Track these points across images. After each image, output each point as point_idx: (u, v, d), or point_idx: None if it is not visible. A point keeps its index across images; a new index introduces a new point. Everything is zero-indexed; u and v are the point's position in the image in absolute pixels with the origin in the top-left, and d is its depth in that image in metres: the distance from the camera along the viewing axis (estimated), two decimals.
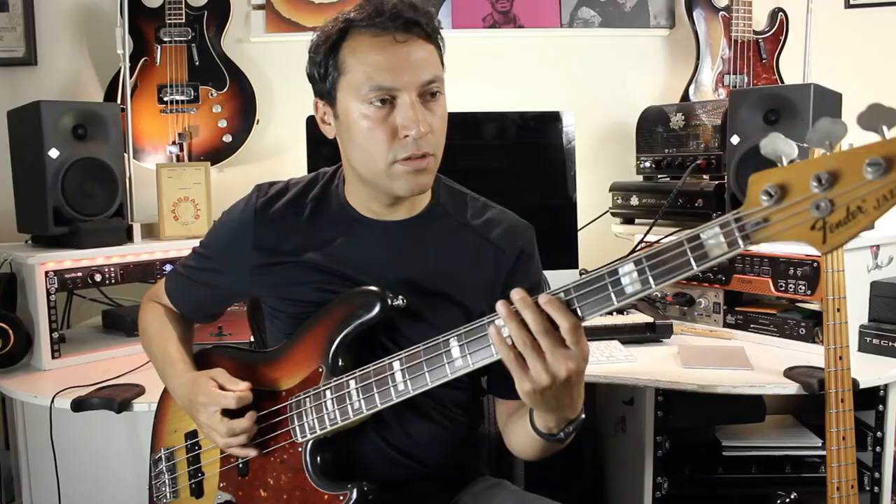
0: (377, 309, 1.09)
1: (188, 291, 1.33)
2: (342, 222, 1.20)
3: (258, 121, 2.42)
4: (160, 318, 1.34)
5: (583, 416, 1.02)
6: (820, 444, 1.80)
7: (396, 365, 1.04)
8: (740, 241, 0.80)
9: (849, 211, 0.72)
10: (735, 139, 1.87)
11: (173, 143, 2.35)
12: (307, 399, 1.12)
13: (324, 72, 1.12)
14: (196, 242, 1.34)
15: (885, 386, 1.65)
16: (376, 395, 1.05)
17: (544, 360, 0.89)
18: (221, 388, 1.15)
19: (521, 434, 1.10)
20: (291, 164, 2.45)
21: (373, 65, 1.06)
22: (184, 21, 2.36)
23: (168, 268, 2.01)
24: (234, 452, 1.16)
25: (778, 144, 0.78)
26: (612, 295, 0.88)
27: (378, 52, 1.06)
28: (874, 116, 0.71)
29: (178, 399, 1.24)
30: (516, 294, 0.91)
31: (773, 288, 1.80)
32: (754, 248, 1.81)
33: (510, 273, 1.20)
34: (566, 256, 2.15)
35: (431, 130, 1.09)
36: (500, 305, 0.92)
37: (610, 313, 1.88)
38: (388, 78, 1.06)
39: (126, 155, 2.15)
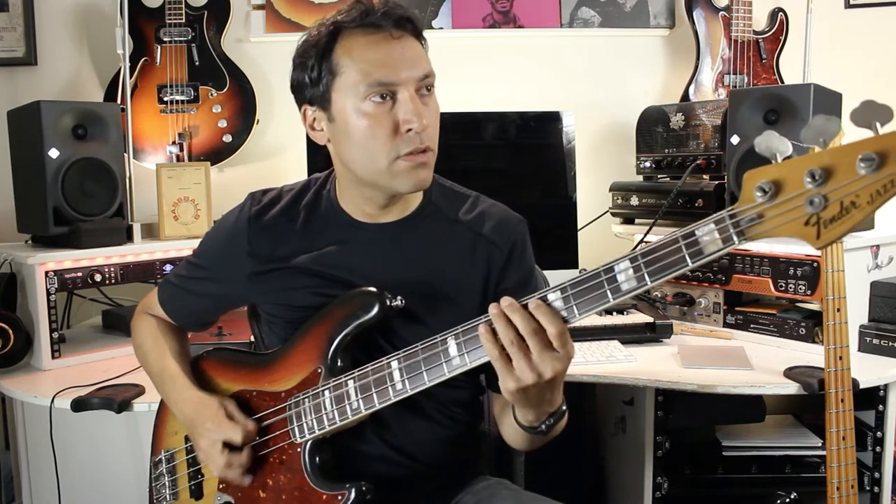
0: (376, 309, 1.09)
1: (182, 301, 1.32)
2: (335, 227, 1.20)
3: (258, 121, 2.42)
4: (154, 332, 1.33)
5: (563, 407, 1.04)
6: (820, 444, 1.80)
7: (395, 364, 1.04)
8: (735, 238, 0.81)
9: (842, 206, 0.72)
10: (735, 139, 1.86)
11: (173, 143, 2.35)
12: (306, 399, 1.12)
13: (316, 76, 1.12)
14: (196, 242, 1.33)
15: (885, 386, 1.65)
16: (374, 395, 1.06)
17: (530, 360, 0.92)
18: (230, 417, 1.16)
19: (509, 427, 1.12)
20: (291, 164, 2.45)
21: (370, 62, 1.07)
22: (184, 21, 2.36)
23: (168, 268, 2.01)
24: (230, 481, 1.18)
25: (772, 142, 0.79)
26: (608, 292, 0.90)
27: (375, 50, 1.07)
28: (867, 113, 0.72)
29: (180, 415, 1.24)
30: (505, 300, 0.94)
31: (773, 288, 1.80)
32: (754, 249, 1.82)
33: (504, 267, 1.20)
34: (566, 256, 2.15)
35: (430, 124, 1.10)
36: (492, 307, 0.94)
37: (609, 312, 1.88)
38: (388, 73, 1.07)
39: (126, 155, 2.15)
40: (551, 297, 0.93)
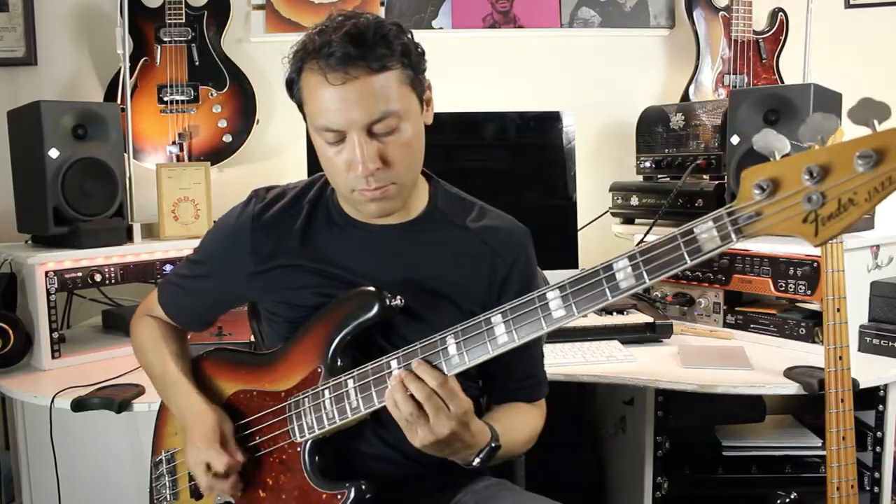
0: (376, 309, 1.10)
1: (183, 300, 1.32)
2: (337, 226, 1.20)
3: (258, 121, 2.42)
4: (154, 335, 1.33)
5: (493, 444, 1.08)
6: (820, 444, 1.79)
7: (394, 364, 1.04)
8: (733, 235, 0.81)
9: (840, 203, 0.73)
10: (735, 139, 1.87)
11: (173, 143, 2.35)
12: (306, 399, 1.12)
13: (291, 94, 1.12)
14: (196, 242, 1.32)
15: (885, 386, 1.65)
16: (374, 394, 1.06)
17: (428, 424, 0.99)
18: (223, 442, 1.15)
19: None
20: (291, 164, 2.45)
21: (317, 105, 1.06)
22: (184, 21, 2.36)
23: (168, 268, 2.01)
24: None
25: (770, 140, 0.80)
26: (607, 290, 0.90)
27: (321, 93, 1.04)
28: (865, 110, 0.72)
29: (180, 419, 1.24)
30: (403, 372, 1.01)
31: (773, 288, 1.80)
32: (754, 249, 1.82)
33: (506, 278, 1.20)
34: (566, 256, 2.15)
35: (386, 163, 1.07)
36: (392, 378, 1.02)
37: (609, 312, 1.88)
38: (331, 120, 1.05)
39: (126, 155, 2.15)
40: (550, 295, 0.93)
